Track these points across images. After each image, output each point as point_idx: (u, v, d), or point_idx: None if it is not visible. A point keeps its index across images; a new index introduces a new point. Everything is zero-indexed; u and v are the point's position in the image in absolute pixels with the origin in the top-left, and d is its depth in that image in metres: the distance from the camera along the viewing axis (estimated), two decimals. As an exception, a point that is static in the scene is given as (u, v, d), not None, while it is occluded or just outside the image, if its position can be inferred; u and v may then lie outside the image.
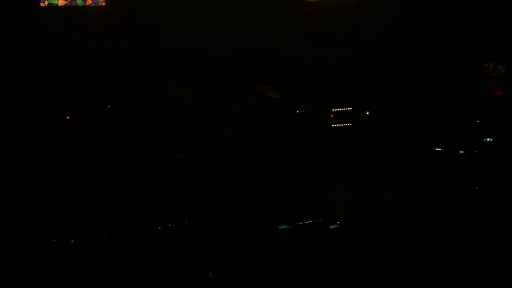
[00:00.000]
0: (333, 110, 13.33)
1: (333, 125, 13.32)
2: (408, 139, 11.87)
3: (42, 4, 12.46)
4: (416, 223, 10.08)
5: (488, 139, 10.82)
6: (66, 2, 12.66)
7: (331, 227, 9.22)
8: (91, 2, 12.82)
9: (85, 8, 12.79)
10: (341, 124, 13.38)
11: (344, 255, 8.69)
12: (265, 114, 12.85)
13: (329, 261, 8.51)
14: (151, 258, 9.13)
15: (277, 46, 13.74)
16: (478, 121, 11.70)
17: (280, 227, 9.20)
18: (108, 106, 12.60)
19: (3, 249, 8.95)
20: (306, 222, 9.13)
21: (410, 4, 13.71)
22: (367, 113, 13.44)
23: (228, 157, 12.29)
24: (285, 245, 8.82)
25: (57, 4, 12.61)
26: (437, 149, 10.79)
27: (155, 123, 11.88)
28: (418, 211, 10.49)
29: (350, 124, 13.41)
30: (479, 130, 11.56)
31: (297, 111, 13.21)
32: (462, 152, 10.61)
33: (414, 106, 13.43)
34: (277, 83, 13.42)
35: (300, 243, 8.84)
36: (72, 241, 8.99)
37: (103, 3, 12.87)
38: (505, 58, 12.90)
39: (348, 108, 13.43)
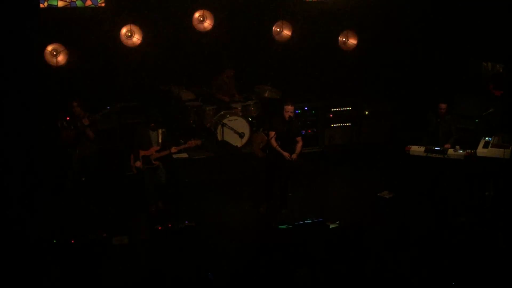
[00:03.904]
0: (332, 110, 13.39)
1: (332, 125, 13.38)
2: (406, 138, 11.90)
3: (41, 5, 12.48)
4: (414, 222, 10.11)
5: (487, 138, 10.83)
6: (66, 3, 12.69)
7: (331, 226, 9.22)
8: (90, 3, 12.85)
9: (84, 9, 12.82)
10: (340, 123, 13.43)
11: (343, 254, 8.73)
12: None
13: (328, 260, 8.54)
14: (151, 258, 9.18)
15: (277, 46, 13.83)
16: (476, 120, 11.71)
17: (280, 226, 9.20)
18: (108, 107, 12.63)
19: (5, 250, 8.98)
20: (305, 221, 9.13)
21: (407, 6, 13.77)
22: (366, 112, 13.50)
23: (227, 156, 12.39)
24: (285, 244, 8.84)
25: (57, 5, 12.64)
26: (436, 148, 10.81)
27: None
28: (416, 210, 10.53)
29: (349, 124, 13.48)
30: (478, 129, 11.57)
31: (297, 111, 13.23)
32: (461, 151, 10.63)
33: (413, 106, 13.49)
34: (277, 83, 13.48)
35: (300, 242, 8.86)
36: (72, 241, 9.01)
37: (103, 4, 12.90)
38: (504, 57, 12.93)
39: (348, 108, 13.49)
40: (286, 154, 10.19)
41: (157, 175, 10.37)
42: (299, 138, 10.41)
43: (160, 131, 10.31)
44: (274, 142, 10.19)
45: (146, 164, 10.25)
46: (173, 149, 10.29)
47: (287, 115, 10.20)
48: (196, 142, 10.52)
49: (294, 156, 10.25)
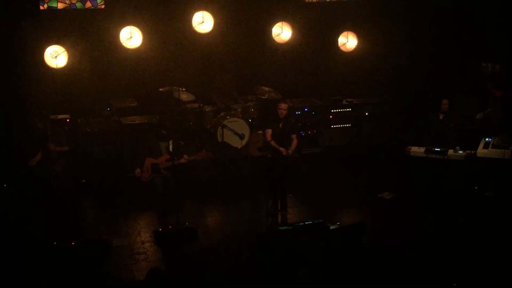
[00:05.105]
0: (332, 111, 13.39)
1: (332, 126, 13.37)
2: (406, 139, 11.91)
3: (41, 7, 12.49)
4: (414, 223, 10.12)
5: (487, 139, 10.84)
6: (66, 5, 12.69)
7: (331, 227, 9.21)
8: (90, 5, 12.85)
9: (84, 11, 12.82)
10: (340, 125, 13.42)
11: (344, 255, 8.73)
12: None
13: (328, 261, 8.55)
14: (152, 259, 9.18)
15: (277, 48, 13.83)
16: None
17: (280, 228, 9.20)
18: (108, 109, 12.64)
19: (6, 251, 8.98)
20: (306, 222, 9.13)
21: (407, 7, 13.76)
22: (366, 113, 13.49)
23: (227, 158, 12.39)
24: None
25: (57, 7, 12.65)
26: (436, 149, 10.81)
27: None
28: (416, 211, 10.53)
29: (349, 125, 13.47)
30: (478, 130, 11.58)
31: (297, 112, 13.25)
32: (461, 151, 10.63)
33: (413, 107, 13.49)
34: (276, 84, 13.48)
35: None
36: (73, 243, 9.02)
37: (103, 6, 12.90)
38: (504, 57, 12.92)
39: (348, 109, 13.49)
40: (282, 149, 10.32)
41: (167, 185, 10.15)
42: (294, 136, 10.56)
43: (170, 141, 10.21)
44: (271, 140, 10.37)
45: (154, 172, 10.13)
46: (183, 160, 10.20)
47: (280, 112, 10.37)
48: (207, 154, 10.51)
49: (290, 151, 10.34)
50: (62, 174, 10.44)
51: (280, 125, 10.41)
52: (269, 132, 10.44)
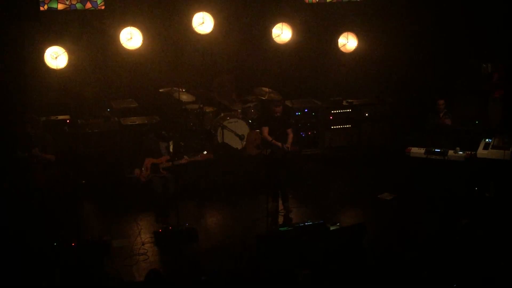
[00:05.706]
0: (332, 112, 13.38)
1: (332, 127, 13.35)
2: (406, 139, 11.90)
3: (41, 8, 12.50)
4: (414, 224, 10.11)
5: (487, 140, 10.83)
6: (66, 6, 12.70)
7: (331, 228, 9.20)
8: (90, 6, 12.85)
9: (84, 12, 12.83)
10: (340, 125, 13.41)
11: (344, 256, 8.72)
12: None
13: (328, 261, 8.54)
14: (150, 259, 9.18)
15: (277, 48, 13.83)
16: (477, 121, 11.71)
17: (280, 228, 9.19)
18: (108, 110, 12.65)
19: (6, 251, 8.98)
20: (306, 223, 9.12)
21: (407, 8, 13.77)
22: (366, 114, 13.48)
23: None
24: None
25: (57, 8, 12.66)
26: (436, 150, 10.81)
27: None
28: (416, 212, 10.52)
29: (350, 125, 13.46)
30: (478, 131, 11.57)
31: (297, 113, 13.25)
32: (461, 152, 10.62)
33: (413, 107, 13.48)
34: (276, 85, 13.47)
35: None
36: (73, 244, 9.01)
37: (103, 7, 12.91)
38: (504, 57, 12.93)
39: (348, 110, 13.48)
40: (279, 144, 10.43)
41: (166, 185, 10.09)
42: (289, 130, 10.69)
43: (171, 141, 10.20)
44: (268, 137, 10.51)
45: (154, 172, 10.12)
46: (183, 160, 10.20)
47: (275, 110, 10.55)
48: (208, 155, 10.51)
49: (287, 145, 10.48)
50: (56, 177, 10.43)
51: (275, 121, 10.57)
52: (266, 129, 10.59)
